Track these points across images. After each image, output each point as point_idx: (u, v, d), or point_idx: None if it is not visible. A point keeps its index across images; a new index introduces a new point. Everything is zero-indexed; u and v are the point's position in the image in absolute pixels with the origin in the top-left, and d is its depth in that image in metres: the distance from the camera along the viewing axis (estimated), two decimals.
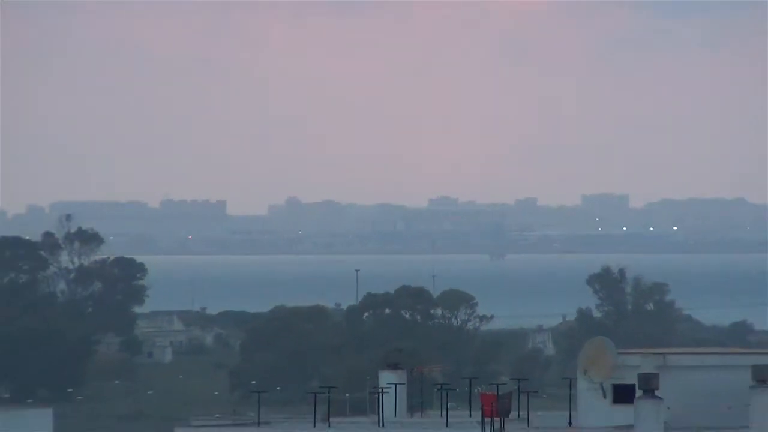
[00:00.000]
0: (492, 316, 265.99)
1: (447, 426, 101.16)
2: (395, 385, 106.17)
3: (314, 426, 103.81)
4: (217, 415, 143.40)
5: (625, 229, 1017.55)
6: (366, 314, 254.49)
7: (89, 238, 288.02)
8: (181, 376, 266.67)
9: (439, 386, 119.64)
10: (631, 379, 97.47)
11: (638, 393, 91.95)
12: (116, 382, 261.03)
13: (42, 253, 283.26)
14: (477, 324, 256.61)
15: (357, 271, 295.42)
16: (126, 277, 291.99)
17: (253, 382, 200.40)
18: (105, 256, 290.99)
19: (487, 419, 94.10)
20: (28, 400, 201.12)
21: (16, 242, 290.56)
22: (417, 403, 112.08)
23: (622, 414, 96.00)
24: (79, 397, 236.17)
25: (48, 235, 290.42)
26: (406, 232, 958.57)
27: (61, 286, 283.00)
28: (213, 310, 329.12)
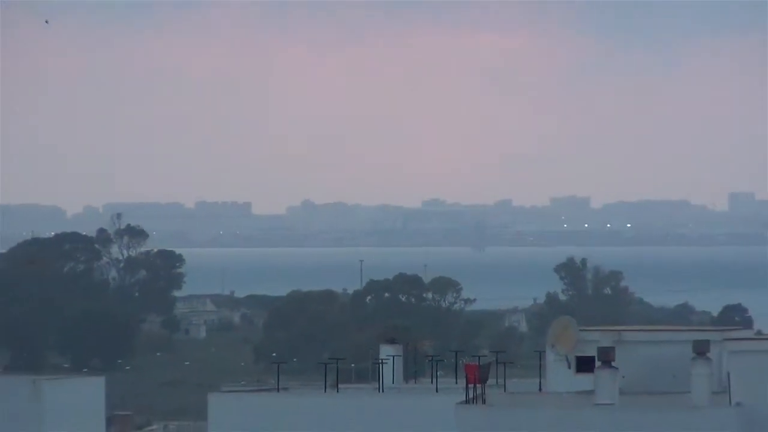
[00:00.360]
0: (474, 299, 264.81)
1: (437, 391, 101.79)
2: (393, 357, 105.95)
3: (324, 391, 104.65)
4: (243, 383, 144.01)
5: (586, 226, 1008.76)
6: (368, 297, 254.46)
7: (136, 234, 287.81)
8: (213, 350, 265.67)
9: (429, 358, 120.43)
10: (591, 351, 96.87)
11: (597, 364, 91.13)
12: (158, 354, 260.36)
13: (96, 246, 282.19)
14: (462, 306, 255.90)
15: (361, 261, 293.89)
16: (166, 266, 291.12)
17: (274, 354, 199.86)
18: (149, 249, 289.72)
19: (470, 385, 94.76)
20: (84, 369, 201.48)
21: (74, 237, 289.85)
22: (411, 372, 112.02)
23: (584, 381, 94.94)
24: (127, 367, 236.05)
25: (102, 231, 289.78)
26: (402, 229, 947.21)
27: (113, 273, 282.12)
28: (240, 294, 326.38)
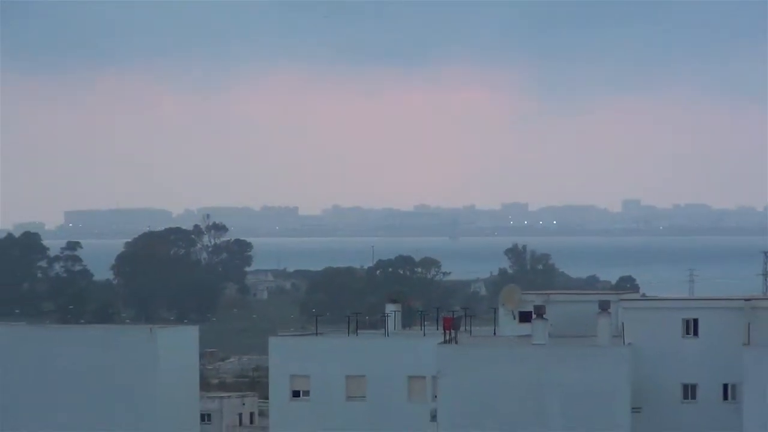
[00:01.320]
0: (450, 272, 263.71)
1: (424, 335, 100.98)
2: (394, 312, 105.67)
3: (348, 335, 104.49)
4: (292, 329, 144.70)
5: (525, 223, 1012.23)
6: (378, 272, 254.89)
7: (219, 228, 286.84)
8: (271, 307, 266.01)
9: (419, 312, 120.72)
10: (529, 308, 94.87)
11: (533, 316, 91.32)
12: (234, 310, 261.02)
13: (192, 236, 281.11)
14: (441, 277, 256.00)
15: (372, 247, 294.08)
16: (240, 250, 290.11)
17: (313, 310, 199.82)
18: (228, 239, 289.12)
19: (447, 331, 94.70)
20: (185, 321, 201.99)
21: (177, 231, 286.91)
22: (407, 323, 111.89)
23: (524, 328, 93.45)
24: (213, 319, 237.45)
25: (196, 226, 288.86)
26: (400, 225, 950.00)
27: (203, 255, 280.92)
28: (290, 269, 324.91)
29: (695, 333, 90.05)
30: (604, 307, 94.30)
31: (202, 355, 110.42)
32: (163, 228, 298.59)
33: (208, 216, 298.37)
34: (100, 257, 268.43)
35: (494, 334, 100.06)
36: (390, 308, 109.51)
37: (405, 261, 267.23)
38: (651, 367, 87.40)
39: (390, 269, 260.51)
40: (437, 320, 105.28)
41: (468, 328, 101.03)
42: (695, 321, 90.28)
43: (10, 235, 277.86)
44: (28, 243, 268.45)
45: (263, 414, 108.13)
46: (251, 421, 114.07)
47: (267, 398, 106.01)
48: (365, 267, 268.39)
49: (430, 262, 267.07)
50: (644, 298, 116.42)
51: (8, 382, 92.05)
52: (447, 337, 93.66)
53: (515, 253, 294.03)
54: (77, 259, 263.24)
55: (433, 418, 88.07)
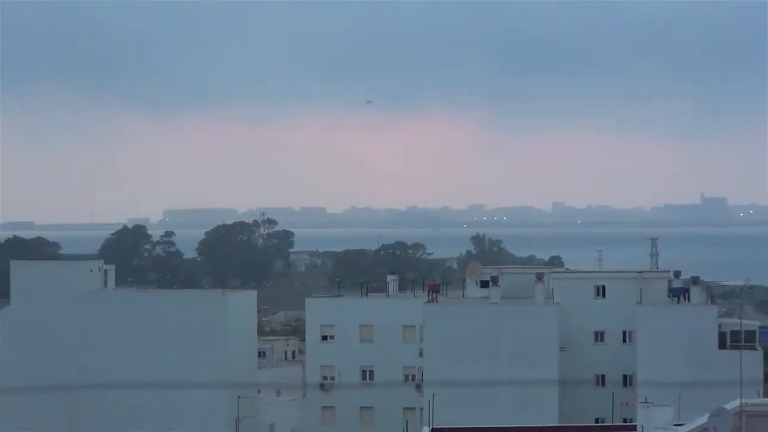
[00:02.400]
0: (432, 253, 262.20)
1: (414, 297, 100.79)
2: (393, 280, 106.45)
3: (360, 296, 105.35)
4: (321, 293, 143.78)
5: (485, 218, 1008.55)
6: (382, 253, 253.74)
7: (271, 222, 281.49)
8: (307, 279, 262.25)
9: (412, 280, 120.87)
10: (487, 278, 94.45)
11: (490, 284, 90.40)
12: (281, 280, 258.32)
13: (252, 228, 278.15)
14: (426, 256, 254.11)
15: (378, 236, 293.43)
16: (286, 237, 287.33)
17: (336, 280, 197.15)
18: (277, 229, 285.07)
19: (430, 294, 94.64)
20: (247, 287, 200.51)
21: (242, 224, 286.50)
22: (402, 288, 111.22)
23: (484, 292, 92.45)
24: (267, 285, 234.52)
25: (255, 221, 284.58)
26: (398, 220, 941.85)
27: (260, 241, 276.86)
28: (320, 250, 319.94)
29: (603, 295, 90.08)
30: (539, 277, 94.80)
31: (258, 311, 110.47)
32: (232, 222, 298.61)
33: (263, 214, 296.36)
34: (188, 242, 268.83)
35: (463, 296, 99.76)
36: (390, 278, 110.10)
37: (401, 245, 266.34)
38: (572, 319, 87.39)
39: (390, 251, 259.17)
40: (423, 286, 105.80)
41: (445, 292, 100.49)
42: (603, 287, 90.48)
43: (125, 227, 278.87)
44: (137, 232, 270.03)
45: (302, 351, 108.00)
46: (293, 357, 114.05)
47: (304, 340, 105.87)
48: (373, 249, 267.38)
49: (418, 246, 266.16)
50: (567, 271, 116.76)
51: (125, 328, 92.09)
52: (430, 298, 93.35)
53: (477, 240, 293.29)
54: (172, 244, 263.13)
55: (421, 354, 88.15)
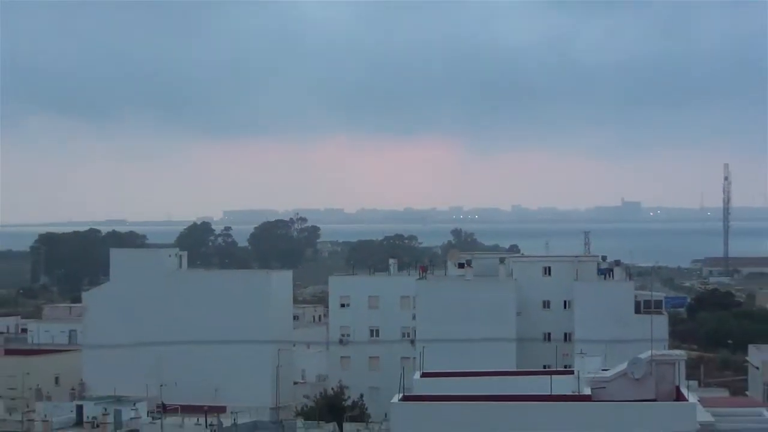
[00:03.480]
0: (422, 243, 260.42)
1: (409, 275, 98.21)
2: (393, 263, 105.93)
3: (369, 275, 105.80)
4: (341, 272, 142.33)
5: (461, 217, 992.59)
6: (385, 242, 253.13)
7: (303, 220, 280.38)
8: (330, 261, 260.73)
9: (407, 263, 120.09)
10: (463, 261, 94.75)
11: (465, 266, 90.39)
12: (311, 262, 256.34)
13: (289, 224, 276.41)
14: (418, 245, 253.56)
15: (383, 231, 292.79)
16: (314, 231, 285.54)
17: (351, 263, 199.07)
18: (308, 225, 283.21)
19: (421, 273, 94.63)
20: (284, 267, 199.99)
21: (281, 222, 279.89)
22: (401, 268, 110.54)
23: (461, 272, 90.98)
24: (300, 266, 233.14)
25: (291, 219, 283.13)
26: (397, 218, 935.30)
27: (295, 233, 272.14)
28: (339, 241, 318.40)
29: (549, 274, 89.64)
30: (501, 261, 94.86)
31: (293, 286, 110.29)
32: (274, 219, 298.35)
33: (297, 213, 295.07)
34: (241, 235, 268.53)
35: (445, 274, 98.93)
36: (391, 261, 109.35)
37: (399, 237, 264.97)
38: (526, 291, 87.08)
39: (391, 241, 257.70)
40: (416, 268, 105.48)
41: (432, 271, 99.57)
42: (549, 268, 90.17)
43: (194, 223, 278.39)
44: (204, 227, 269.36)
45: (325, 316, 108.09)
46: (319, 319, 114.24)
47: (327, 307, 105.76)
48: (378, 240, 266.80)
49: (412, 238, 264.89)
50: (522, 256, 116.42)
51: (195, 299, 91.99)
52: (421, 276, 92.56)
53: (456, 233, 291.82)
54: (229, 236, 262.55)
55: (414, 317, 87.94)
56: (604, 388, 32.43)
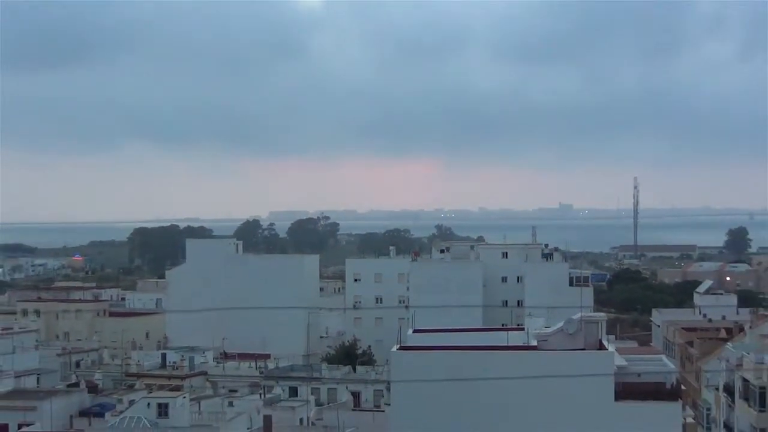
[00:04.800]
0: (413, 235, 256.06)
1: (404, 258, 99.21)
2: (392, 249, 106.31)
3: (375, 258, 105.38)
4: (354, 257, 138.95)
5: (442, 216, 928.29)
6: (385, 235, 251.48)
7: (326, 218, 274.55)
8: (347, 248, 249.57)
9: (403, 250, 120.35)
10: (443, 248, 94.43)
11: (445, 251, 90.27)
12: (332, 249, 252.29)
13: (316, 221, 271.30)
14: (410, 236, 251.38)
15: (384, 226, 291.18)
16: (334, 226, 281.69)
17: (362, 249, 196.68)
18: (330, 222, 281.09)
19: (414, 257, 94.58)
20: (312, 253, 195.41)
21: (311, 219, 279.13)
22: (398, 253, 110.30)
23: (442, 256, 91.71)
24: (324, 252, 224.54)
25: (318, 217, 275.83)
26: (396, 217, 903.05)
27: (320, 228, 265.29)
28: (353, 233, 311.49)
29: (506, 257, 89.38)
30: (471, 248, 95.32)
31: (320, 266, 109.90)
32: (306, 217, 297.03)
33: (322, 213, 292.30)
34: (282, 229, 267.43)
35: (431, 258, 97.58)
36: (391, 248, 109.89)
37: (397, 230, 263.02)
38: (489, 270, 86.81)
39: (391, 234, 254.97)
40: (410, 253, 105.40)
41: (421, 256, 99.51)
42: (506, 252, 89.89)
43: (247, 220, 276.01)
44: (254, 223, 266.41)
45: (343, 288, 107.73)
46: (339, 291, 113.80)
47: (345, 281, 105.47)
48: (382, 233, 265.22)
49: (406, 231, 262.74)
50: (487, 244, 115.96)
51: (248, 276, 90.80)
52: (413, 259, 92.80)
53: (439, 228, 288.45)
54: (273, 229, 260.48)
55: (408, 289, 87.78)
56: (546, 340, 32.46)
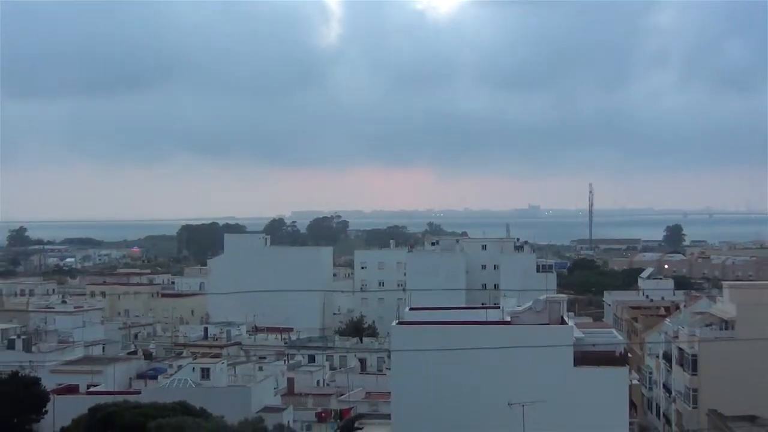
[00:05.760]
0: (409, 230, 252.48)
1: (402, 250, 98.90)
2: (392, 242, 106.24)
3: (378, 249, 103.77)
4: (362, 248, 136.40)
5: (433, 214, 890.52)
6: (387, 230, 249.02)
7: (338, 217, 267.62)
8: (356, 242, 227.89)
9: (401, 242, 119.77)
10: (434, 241, 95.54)
11: (435, 244, 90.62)
12: (343, 242, 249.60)
13: (330, 219, 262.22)
14: (407, 232, 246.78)
15: (386, 224, 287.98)
16: (345, 224, 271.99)
17: (367, 243, 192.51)
18: (341, 220, 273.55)
19: (410, 249, 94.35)
20: (328, 246, 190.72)
21: (326, 218, 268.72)
22: (397, 245, 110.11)
23: (434, 248, 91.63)
24: (337, 245, 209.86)
25: (331, 216, 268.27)
26: (394, 216, 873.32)
27: (333, 226, 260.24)
28: (361, 230, 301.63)
29: (485, 249, 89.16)
30: (457, 241, 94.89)
31: (333, 256, 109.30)
32: (321, 216, 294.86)
33: (335, 212, 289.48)
34: (302, 226, 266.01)
35: (423, 249, 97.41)
36: (391, 242, 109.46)
37: (396, 227, 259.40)
38: (471, 259, 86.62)
39: (391, 230, 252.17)
40: (407, 245, 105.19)
41: (416, 248, 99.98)
42: (485, 245, 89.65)
43: (273, 219, 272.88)
44: (279, 222, 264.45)
45: (352, 273, 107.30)
46: (348, 276, 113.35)
47: (353, 268, 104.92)
48: (383, 229, 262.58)
49: (404, 227, 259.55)
50: (470, 238, 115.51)
51: (275, 265, 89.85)
52: (409, 250, 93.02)
53: (430, 225, 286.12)
54: (295, 227, 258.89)
55: (405, 275, 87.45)
56: (518, 317, 32.44)
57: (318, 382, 52.99)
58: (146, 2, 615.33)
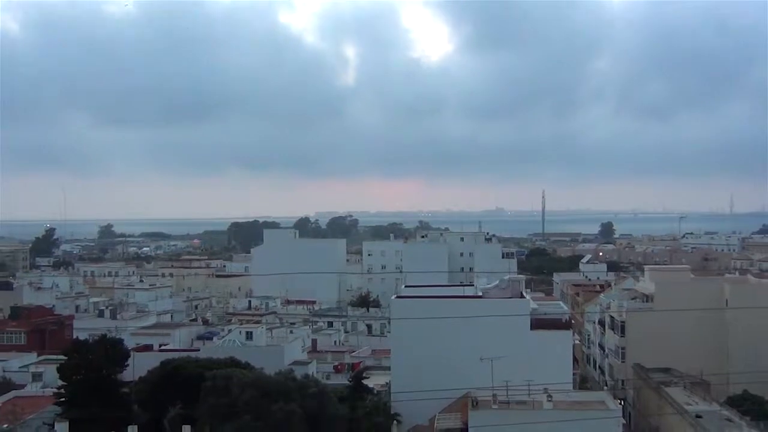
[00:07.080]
0: (405, 226, 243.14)
1: (399, 240, 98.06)
2: (392, 235, 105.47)
3: (381, 241, 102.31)
4: (369, 240, 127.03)
5: (424, 214, 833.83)
6: (388, 226, 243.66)
7: (349, 217, 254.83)
8: (365, 235, 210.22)
9: (399, 236, 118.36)
10: (424, 235, 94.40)
11: (426, 237, 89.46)
12: (354, 235, 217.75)
13: (344, 219, 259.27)
14: (403, 228, 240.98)
15: (387, 222, 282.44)
16: (355, 222, 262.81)
17: (372, 236, 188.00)
18: (352, 219, 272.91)
19: (405, 240, 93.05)
20: (342, 238, 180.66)
21: (341, 217, 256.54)
22: (396, 238, 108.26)
23: (424, 240, 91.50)
24: (349, 238, 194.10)
25: (345, 216, 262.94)
26: (393, 216, 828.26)
27: (346, 223, 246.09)
28: (367, 226, 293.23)
29: (463, 240, 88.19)
30: (441, 235, 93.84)
31: (346, 246, 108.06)
32: (337, 216, 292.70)
33: (349, 212, 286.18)
34: (323, 223, 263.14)
35: (416, 241, 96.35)
36: (391, 236, 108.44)
37: (394, 224, 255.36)
38: (453, 249, 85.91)
39: (391, 227, 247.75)
40: (403, 238, 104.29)
41: (410, 240, 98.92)
42: (463, 237, 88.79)
43: (300, 218, 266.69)
44: (306, 220, 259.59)
45: (360, 259, 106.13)
46: (358, 262, 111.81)
47: (362, 255, 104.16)
48: (385, 225, 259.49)
49: (400, 224, 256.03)
50: (452, 232, 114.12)
51: (304, 254, 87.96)
52: (405, 241, 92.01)
53: (421, 222, 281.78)
54: (318, 224, 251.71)
55: (401, 260, 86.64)
56: (488, 292, 32.50)
57: (335, 342, 53.83)
58: (211, 50, 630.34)
